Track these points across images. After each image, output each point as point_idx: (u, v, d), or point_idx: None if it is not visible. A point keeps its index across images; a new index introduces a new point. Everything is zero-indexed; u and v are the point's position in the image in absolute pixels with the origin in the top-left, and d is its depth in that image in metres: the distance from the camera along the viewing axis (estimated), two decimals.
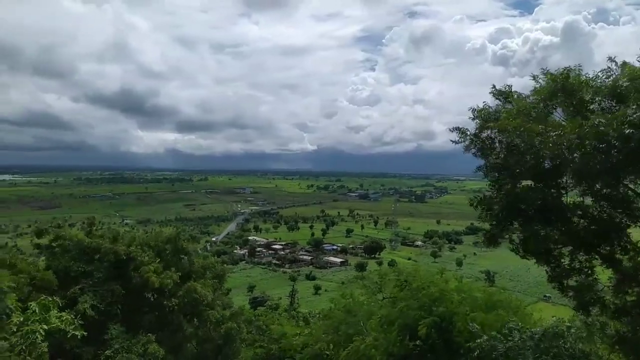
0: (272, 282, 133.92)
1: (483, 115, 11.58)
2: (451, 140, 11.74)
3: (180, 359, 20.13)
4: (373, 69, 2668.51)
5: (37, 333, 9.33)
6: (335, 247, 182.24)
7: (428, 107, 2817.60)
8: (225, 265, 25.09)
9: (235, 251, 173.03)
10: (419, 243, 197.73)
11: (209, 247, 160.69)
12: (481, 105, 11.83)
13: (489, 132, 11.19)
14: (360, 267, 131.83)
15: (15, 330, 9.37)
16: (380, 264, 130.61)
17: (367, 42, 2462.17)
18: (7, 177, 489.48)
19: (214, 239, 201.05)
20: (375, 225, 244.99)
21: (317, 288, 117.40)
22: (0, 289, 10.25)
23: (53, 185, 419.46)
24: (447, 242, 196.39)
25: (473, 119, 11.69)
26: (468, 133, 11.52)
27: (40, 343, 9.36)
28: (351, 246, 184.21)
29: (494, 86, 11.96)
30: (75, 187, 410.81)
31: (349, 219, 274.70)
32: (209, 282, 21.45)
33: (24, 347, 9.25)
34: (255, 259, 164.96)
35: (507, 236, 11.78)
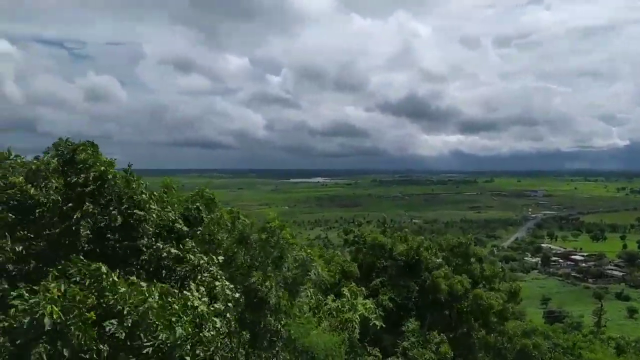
0: (571, 296, 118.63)
1: None
2: None
3: None
4: None
5: (354, 322, 10.78)
6: None
7: None
8: (517, 282, 23.52)
9: (525, 259, 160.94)
10: None
11: (495, 252, 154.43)
12: None
13: None
14: None
15: (334, 314, 11.24)
16: None
17: None
18: (320, 179, 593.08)
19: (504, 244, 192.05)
20: None
21: (631, 311, 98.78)
22: (310, 258, 12.17)
23: (354, 187, 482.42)
24: None
25: None
26: None
27: (355, 329, 10.84)
28: None
29: None
30: (372, 188, 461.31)
31: None
32: (500, 295, 20.52)
33: (347, 334, 10.81)
34: (550, 269, 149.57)
35: None
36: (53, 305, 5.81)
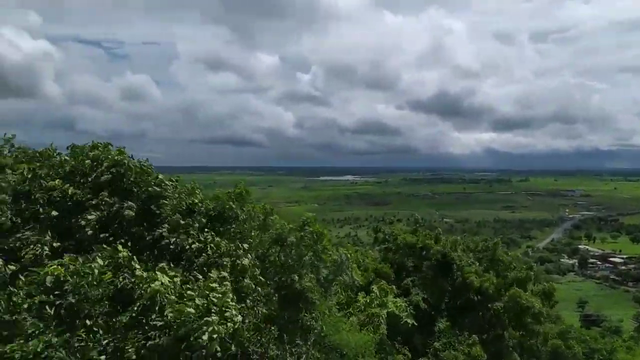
0: (609, 300, 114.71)
1: None
2: None
3: None
4: None
5: (380, 317, 10.74)
6: None
7: None
8: (551, 283, 22.91)
9: (562, 260, 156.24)
10: None
11: (530, 253, 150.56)
12: None
13: None
14: None
15: (363, 309, 11.25)
16: None
17: None
18: (349, 177, 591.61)
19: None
20: None
21: None
22: (345, 258, 12.18)
23: (384, 185, 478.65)
24: None
25: None
26: None
27: (381, 324, 10.83)
28: None
29: None
30: (402, 186, 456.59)
31: None
32: (535, 297, 20.02)
33: (371, 328, 10.79)
34: (588, 272, 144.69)
35: None
36: (59, 267, 6.21)
